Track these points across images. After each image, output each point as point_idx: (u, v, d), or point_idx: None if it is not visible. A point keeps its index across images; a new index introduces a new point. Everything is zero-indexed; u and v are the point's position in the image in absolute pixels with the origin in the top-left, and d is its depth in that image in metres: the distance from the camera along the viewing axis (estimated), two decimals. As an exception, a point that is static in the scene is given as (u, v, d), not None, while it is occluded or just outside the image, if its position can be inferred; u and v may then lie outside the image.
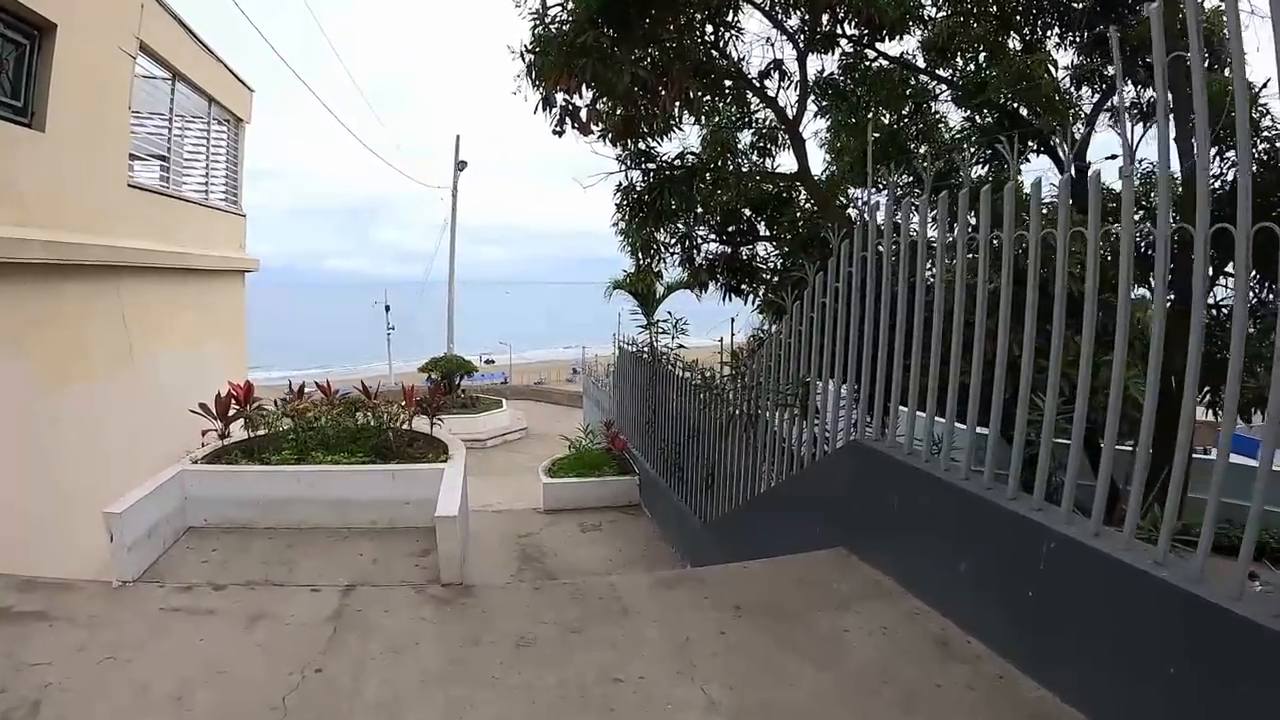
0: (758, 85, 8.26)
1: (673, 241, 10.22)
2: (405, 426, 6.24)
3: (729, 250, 9.67)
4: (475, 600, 3.69)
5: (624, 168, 8.89)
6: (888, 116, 10.10)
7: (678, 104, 5.78)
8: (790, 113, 8.57)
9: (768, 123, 9.44)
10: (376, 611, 3.56)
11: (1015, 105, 8.40)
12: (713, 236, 10.00)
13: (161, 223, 9.87)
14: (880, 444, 4.26)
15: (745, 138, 9.67)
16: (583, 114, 6.38)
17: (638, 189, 8.90)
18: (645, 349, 10.37)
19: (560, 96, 6.35)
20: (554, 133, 7.07)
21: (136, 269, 9.02)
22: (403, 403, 6.11)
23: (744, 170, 9.40)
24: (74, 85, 7.72)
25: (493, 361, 52.93)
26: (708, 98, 7.11)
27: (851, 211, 8.99)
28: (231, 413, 5.39)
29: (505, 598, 3.71)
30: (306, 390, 6.23)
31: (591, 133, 7.08)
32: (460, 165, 21.97)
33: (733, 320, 8.22)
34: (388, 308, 37.29)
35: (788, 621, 3.55)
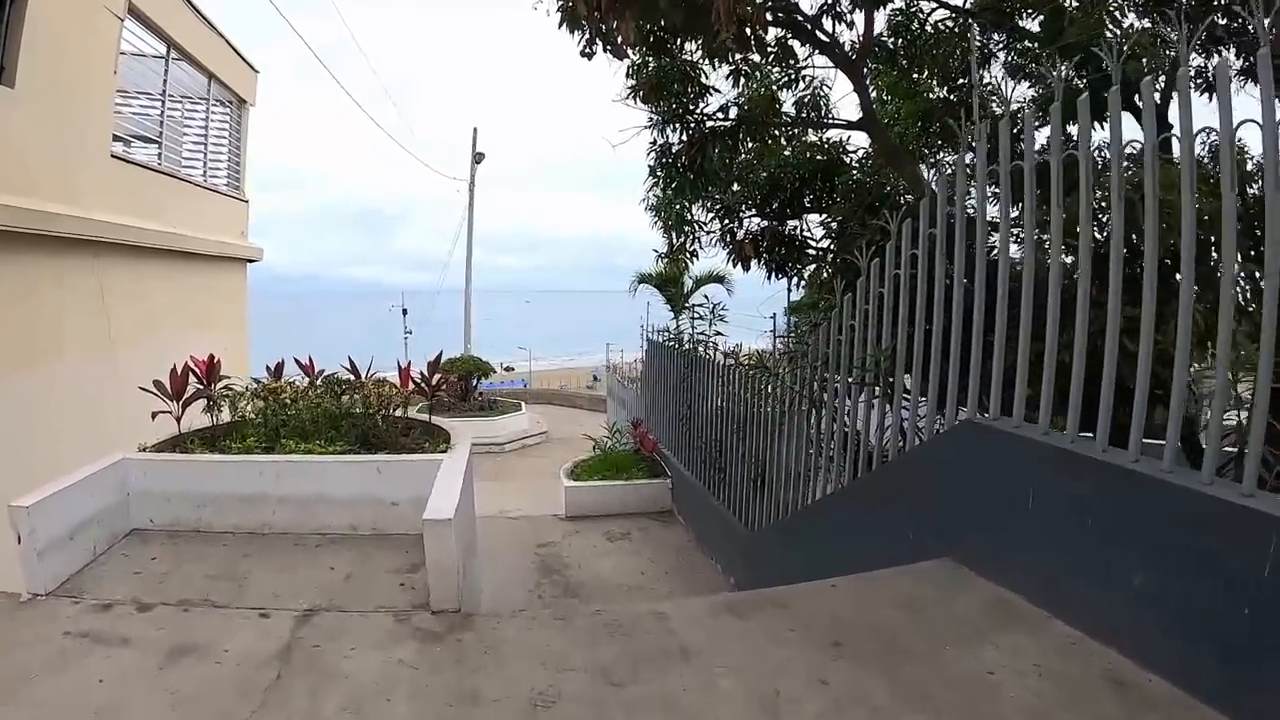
0: (812, 28, 7.27)
1: (709, 219, 9.24)
2: (400, 413, 5.28)
3: (773, 224, 8.65)
4: (476, 635, 2.70)
5: (658, 123, 7.90)
6: (940, 82, 9.08)
7: (730, 32, 4.80)
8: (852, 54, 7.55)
9: (816, 83, 8.45)
10: (339, 649, 2.59)
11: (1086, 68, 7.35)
12: (753, 212, 8.99)
13: (151, 201, 9.09)
14: (1004, 422, 3.26)
15: (789, 100, 8.66)
16: (616, 30, 5.39)
17: (674, 149, 7.91)
18: (677, 338, 9.37)
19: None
20: (582, 55, 6.13)
21: (119, 247, 8.21)
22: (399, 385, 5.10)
23: (792, 125, 8.36)
24: (51, 42, 6.94)
25: (513, 369, 52.34)
26: (761, 33, 6.14)
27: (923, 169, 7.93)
28: (191, 392, 4.43)
29: (517, 633, 2.71)
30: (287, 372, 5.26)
31: (626, 56, 6.16)
32: (478, 157, 21.16)
33: (774, 316, 7.18)
34: (405, 311, 36.75)
35: (909, 662, 2.55)
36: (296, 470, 4.02)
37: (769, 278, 8.89)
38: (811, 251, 8.68)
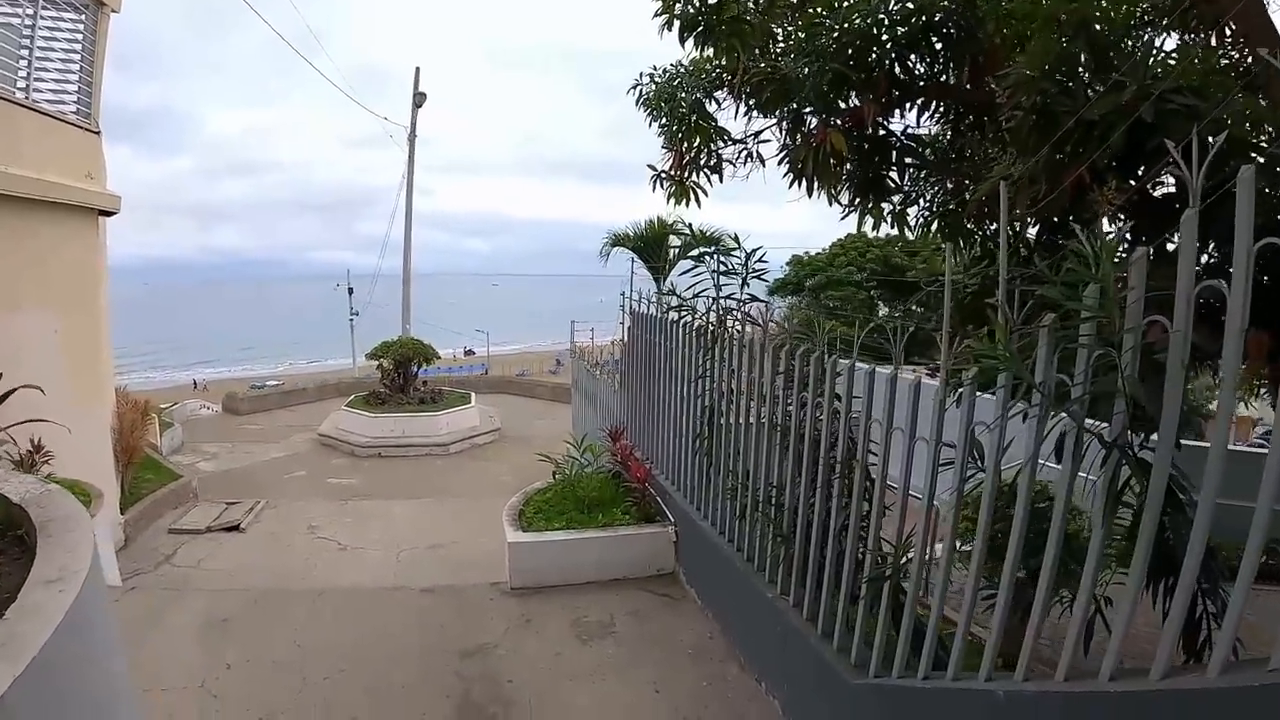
0: None
1: (742, 120, 5.85)
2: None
3: (859, 122, 5.09)
4: None
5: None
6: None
7: None
8: None
9: None
10: None
11: None
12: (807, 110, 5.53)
13: None
14: None
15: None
16: None
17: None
18: (688, 308, 6.00)
19: None
20: None
21: None
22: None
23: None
24: None
25: (473, 353, 48.93)
26: None
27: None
28: None
29: None
30: None
31: None
32: (419, 99, 17.47)
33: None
34: (351, 290, 32.90)
35: None
36: None
37: (853, 210, 5.52)
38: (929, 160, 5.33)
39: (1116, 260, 2.36)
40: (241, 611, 5.50)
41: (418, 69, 18.26)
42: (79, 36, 8.31)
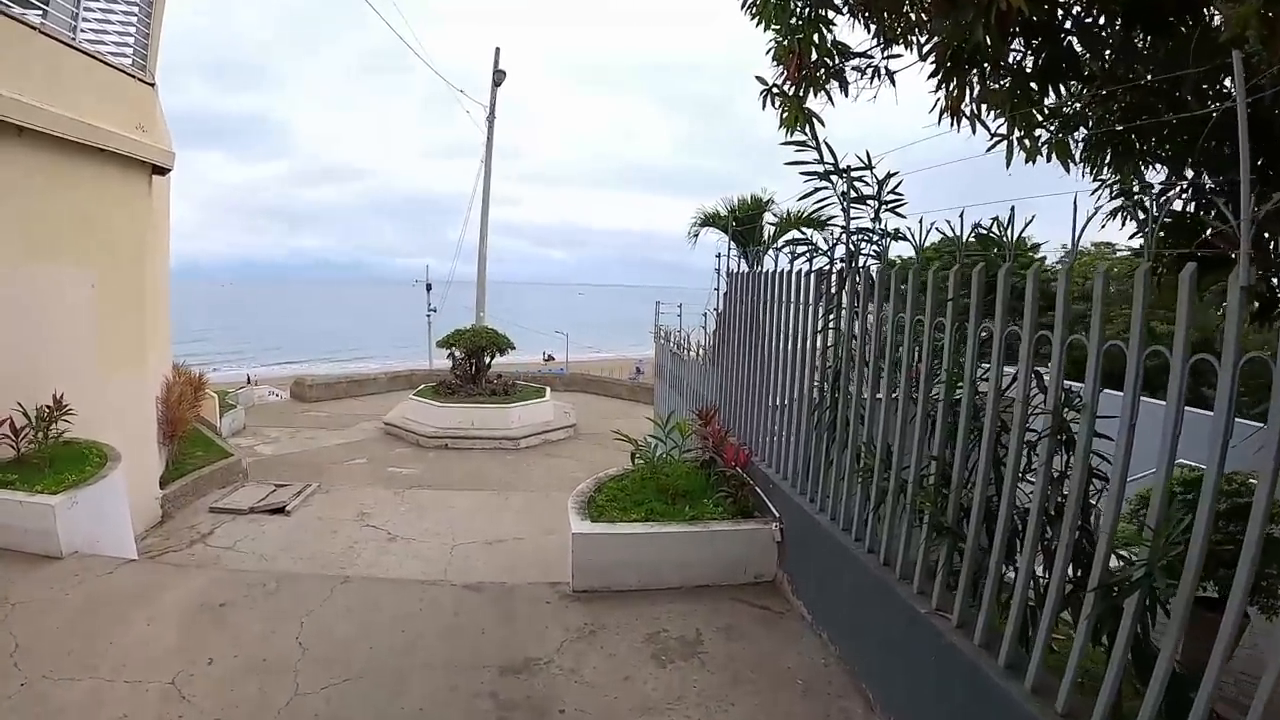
0: None
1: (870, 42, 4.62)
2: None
3: None
4: None
5: None
6: None
7: None
8: None
9: None
10: None
11: None
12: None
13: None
14: None
15: None
16: None
17: None
18: (805, 251, 4.78)
19: None
20: None
21: None
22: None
23: None
24: None
25: (553, 358, 48.51)
26: None
27: None
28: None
29: None
30: None
31: None
32: (498, 77, 16.75)
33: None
34: (429, 286, 32.74)
35: None
36: None
37: (1001, 139, 4.18)
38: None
39: None
40: (245, 597, 4.51)
41: (497, 49, 17.57)
42: (138, -12, 7.80)
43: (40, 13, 6.46)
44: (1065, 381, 2.70)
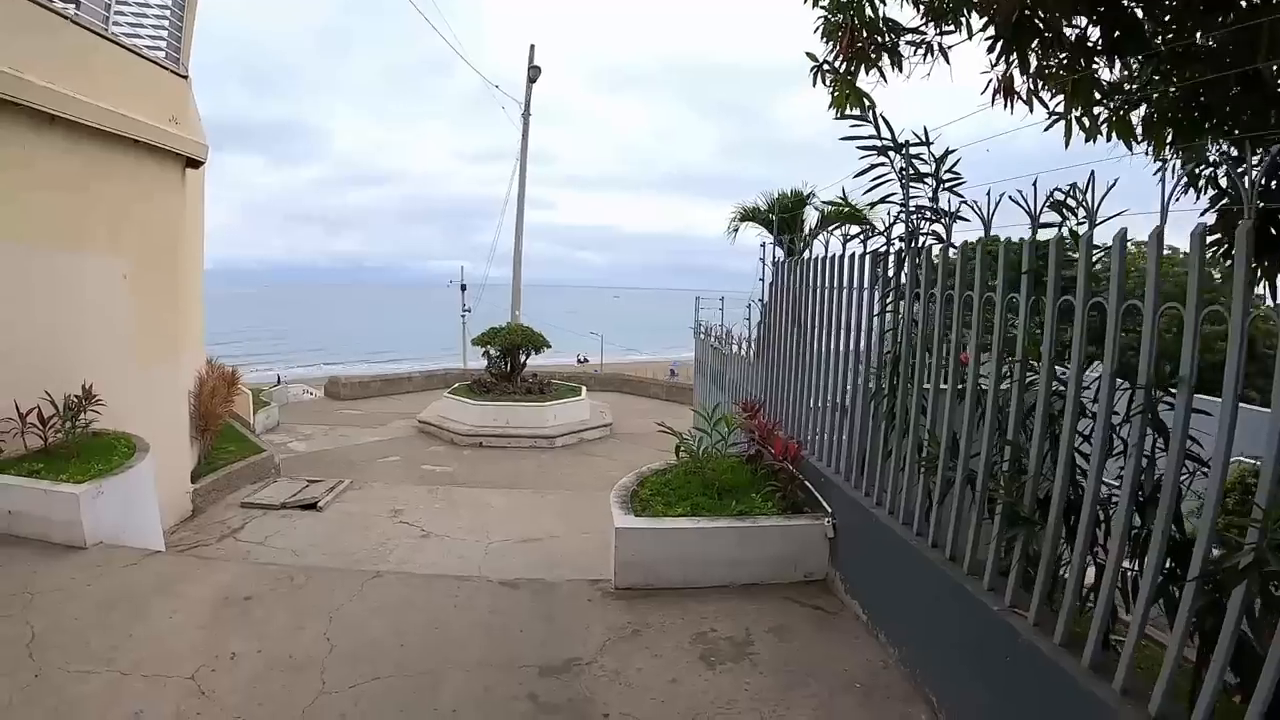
0: None
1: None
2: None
3: None
4: None
5: None
6: None
7: None
8: None
9: None
10: None
11: None
12: None
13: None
14: None
15: None
16: None
17: None
18: (861, 232, 4.49)
19: None
20: None
21: None
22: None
23: None
24: None
25: (587, 360, 48.51)
26: None
27: None
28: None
29: None
30: None
31: None
32: (533, 73, 16.59)
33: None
34: (464, 287, 32.87)
35: None
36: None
37: (1059, 118, 3.86)
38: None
39: None
40: (272, 591, 4.32)
41: (532, 46, 17.43)
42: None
43: (74, 4, 6.41)
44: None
